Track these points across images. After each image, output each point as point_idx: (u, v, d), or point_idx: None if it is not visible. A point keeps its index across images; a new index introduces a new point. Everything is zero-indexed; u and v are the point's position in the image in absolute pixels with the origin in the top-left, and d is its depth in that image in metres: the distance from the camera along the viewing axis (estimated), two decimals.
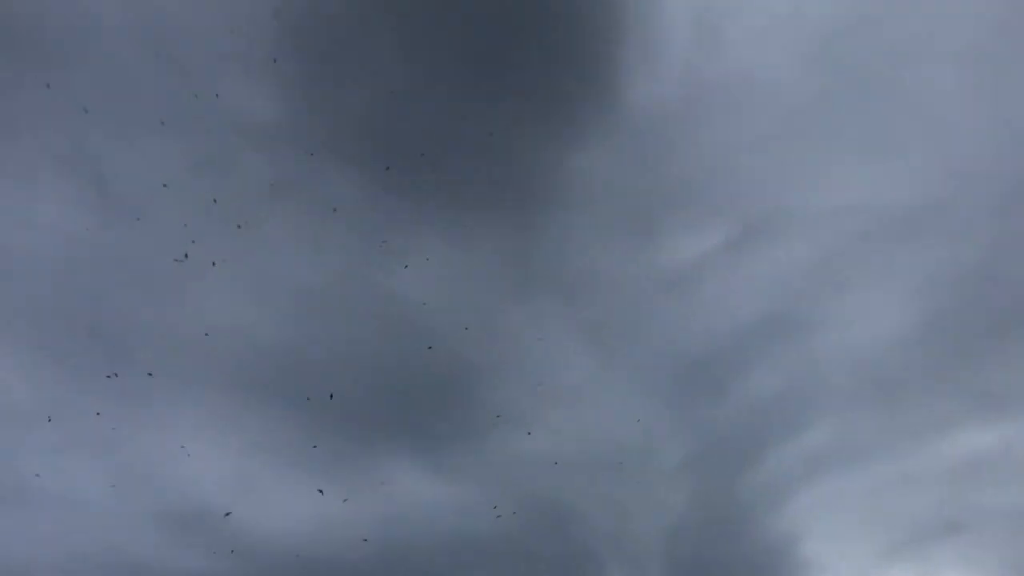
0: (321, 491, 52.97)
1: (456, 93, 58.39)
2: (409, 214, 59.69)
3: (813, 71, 60.19)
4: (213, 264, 53.04)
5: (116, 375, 51.32)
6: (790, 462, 62.04)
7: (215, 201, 54.05)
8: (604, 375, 59.36)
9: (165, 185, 54.92)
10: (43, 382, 54.32)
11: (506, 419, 60.07)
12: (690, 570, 60.23)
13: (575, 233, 60.01)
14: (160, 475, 54.58)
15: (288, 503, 55.51)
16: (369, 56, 57.93)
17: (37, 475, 52.66)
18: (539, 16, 55.80)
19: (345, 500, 55.37)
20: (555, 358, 59.07)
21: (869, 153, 60.75)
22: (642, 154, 59.04)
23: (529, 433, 58.14)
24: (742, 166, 58.11)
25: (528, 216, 60.54)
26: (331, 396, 54.09)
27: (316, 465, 57.06)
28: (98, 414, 51.34)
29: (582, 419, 59.38)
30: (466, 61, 57.57)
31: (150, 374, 52.72)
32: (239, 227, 55.91)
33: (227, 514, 51.66)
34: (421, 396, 60.60)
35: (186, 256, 49.59)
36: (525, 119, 59.43)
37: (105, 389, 54.22)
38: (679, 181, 58.86)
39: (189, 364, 55.83)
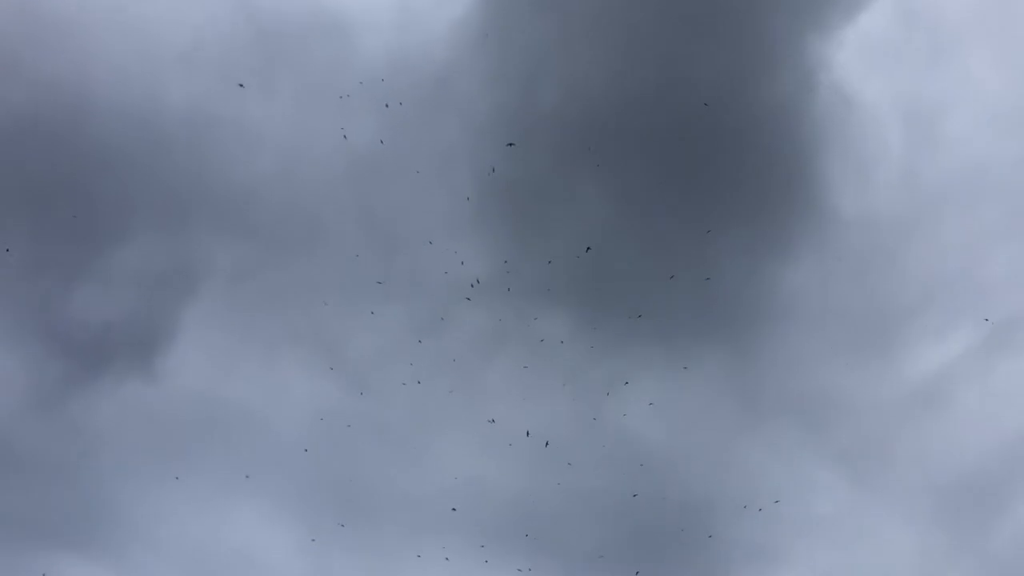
0: None
1: (662, 225, 58.91)
2: (627, 350, 59.56)
3: None
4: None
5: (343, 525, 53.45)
6: None
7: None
8: (858, 503, 54.89)
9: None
10: (301, 543, 57.17)
11: (752, 556, 56.51)
12: None
13: (802, 353, 57.49)
14: None
15: None
16: (574, 200, 59.93)
17: None
18: (740, 138, 56.02)
19: None
20: (800, 487, 55.53)
21: None
22: (864, 266, 56.50)
23: None
24: (982, 264, 54.12)
25: (748, 340, 58.83)
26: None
27: None
28: None
29: (838, 553, 54.77)
30: (669, 191, 58.26)
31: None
32: (451, 392, 57.97)
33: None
34: (658, 537, 58.31)
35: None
36: (733, 243, 58.78)
37: (359, 546, 56.44)
38: (910, 289, 55.52)
39: (432, 519, 57.07)
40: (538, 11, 55.74)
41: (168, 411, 56.91)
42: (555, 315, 59.25)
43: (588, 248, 54.06)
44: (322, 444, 58.92)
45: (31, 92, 54.11)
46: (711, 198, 55.67)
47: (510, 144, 48.94)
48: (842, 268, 56.31)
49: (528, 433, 52.57)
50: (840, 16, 55.38)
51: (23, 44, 54.32)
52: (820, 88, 55.47)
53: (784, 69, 54.99)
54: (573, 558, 55.34)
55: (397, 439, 57.33)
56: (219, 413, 57.57)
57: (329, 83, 53.86)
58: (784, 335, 57.26)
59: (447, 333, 59.92)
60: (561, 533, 56.16)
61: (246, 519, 55.74)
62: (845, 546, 54.28)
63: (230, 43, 54.30)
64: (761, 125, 54.37)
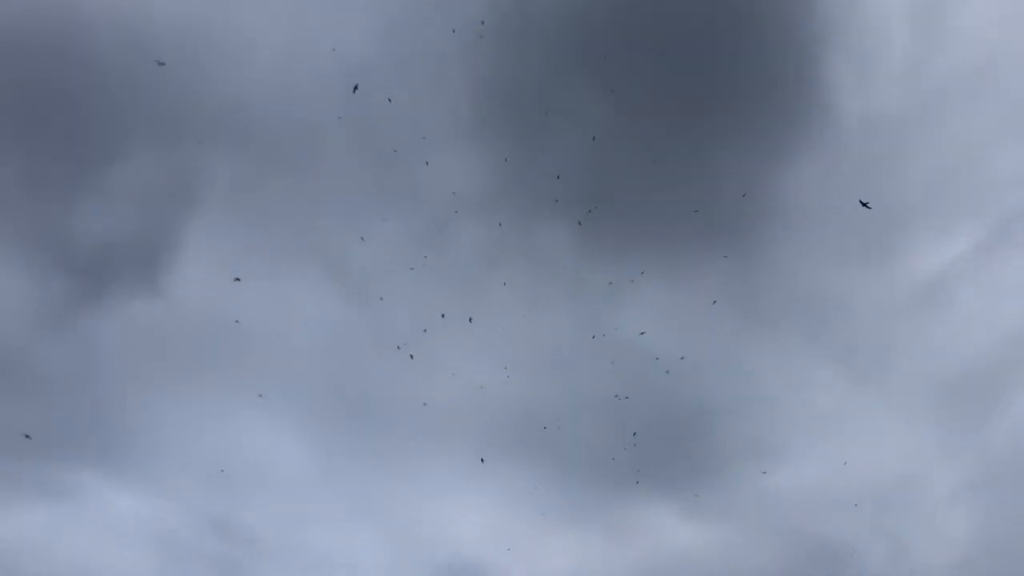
0: None
1: (660, 128, 58.14)
2: (627, 256, 59.49)
3: None
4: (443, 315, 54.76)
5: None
6: None
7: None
8: (858, 401, 55.74)
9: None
10: (313, 451, 58.49)
11: (755, 453, 57.73)
12: None
13: (802, 255, 57.49)
14: (423, 531, 56.89)
15: (546, 553, 56.01)
16: (570, 106, 59.03)
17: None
18: (739, 35, 54.76)
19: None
20: (802, 387, 56.30)
21: None
22: (865, 165, 55.94)
23: (764, 472, 55.40)
24: (985, 162, 53.55)
25: (748, 244, 58.69)
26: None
27: (566, 513, 57.29)
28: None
29: (838, 449, 55.82)
30: (668, 91, 57.27)
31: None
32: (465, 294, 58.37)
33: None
34: (662, 438, 59.31)
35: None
36: (732, 143, 58.13)
37: (369, 453, 57.72)
38: (912, 188, 55.12)
39: (439, 425, 58.13)
40: None
41: (174, 326, 57.47)
42: (555, 225, 59.17)
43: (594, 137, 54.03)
44: (327, 354, 59.64)
45: (21, 9, 53.10)
46: (711, 99, 54.92)
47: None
48: (843, 168, 55.89)
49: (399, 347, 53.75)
50: None
51: None
52: None
53: None
54: (575, 461, 56.42)
55: (401, 348, 57.86)
56: (224, 326, 57.94)
57: None
58: (784, 237, 57.26)
59: (447, 244, 59.93)
60: (564, 437, 57.11)
61: (256, 429, 56.87)
62: (844, 442, 55.39)
63: None
64: (762, 20, 53.22)
